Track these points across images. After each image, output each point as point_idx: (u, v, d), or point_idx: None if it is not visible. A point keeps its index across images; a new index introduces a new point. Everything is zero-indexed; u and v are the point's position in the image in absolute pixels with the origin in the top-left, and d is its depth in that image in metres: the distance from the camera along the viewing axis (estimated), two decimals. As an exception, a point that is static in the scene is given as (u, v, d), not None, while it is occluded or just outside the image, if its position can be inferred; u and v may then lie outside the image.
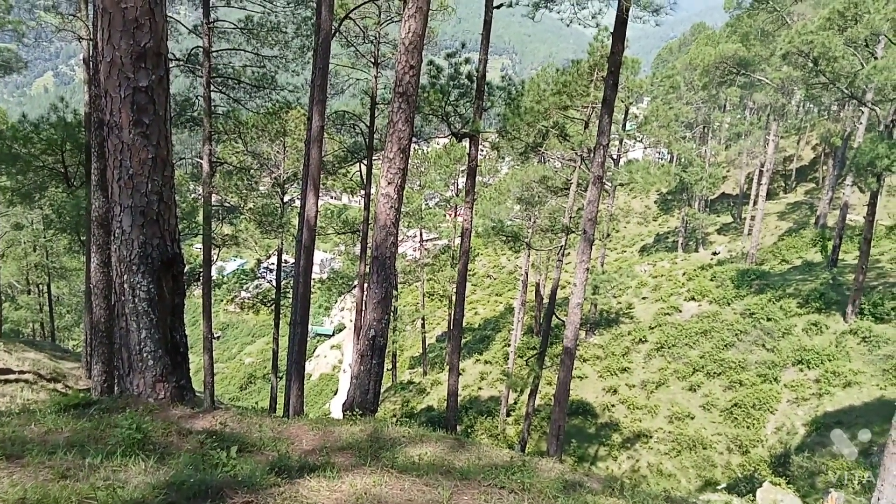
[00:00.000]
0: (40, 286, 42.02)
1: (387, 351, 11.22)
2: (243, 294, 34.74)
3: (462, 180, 42.15)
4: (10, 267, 39.44)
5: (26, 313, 41.48)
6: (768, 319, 28.45)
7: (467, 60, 17.82)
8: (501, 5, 16.22)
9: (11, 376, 18.13)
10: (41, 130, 22.27)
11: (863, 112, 33.18)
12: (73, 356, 25.99)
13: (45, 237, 36.35)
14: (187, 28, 21.16)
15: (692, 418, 25.91)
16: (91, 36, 16.65)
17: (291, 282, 26.53)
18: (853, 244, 35.40)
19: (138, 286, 6.26)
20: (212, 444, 5.00)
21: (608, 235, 33.77)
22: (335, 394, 50.70)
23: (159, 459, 4.32)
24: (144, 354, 6.35)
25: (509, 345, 34.47)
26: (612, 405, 28.71)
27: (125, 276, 6.28)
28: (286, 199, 29.11)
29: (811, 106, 66.98)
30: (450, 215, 49.48)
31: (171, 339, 6.61)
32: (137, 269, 6.25)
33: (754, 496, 16.56)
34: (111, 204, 6.32)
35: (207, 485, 3.75)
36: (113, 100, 6.02)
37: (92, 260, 13.58)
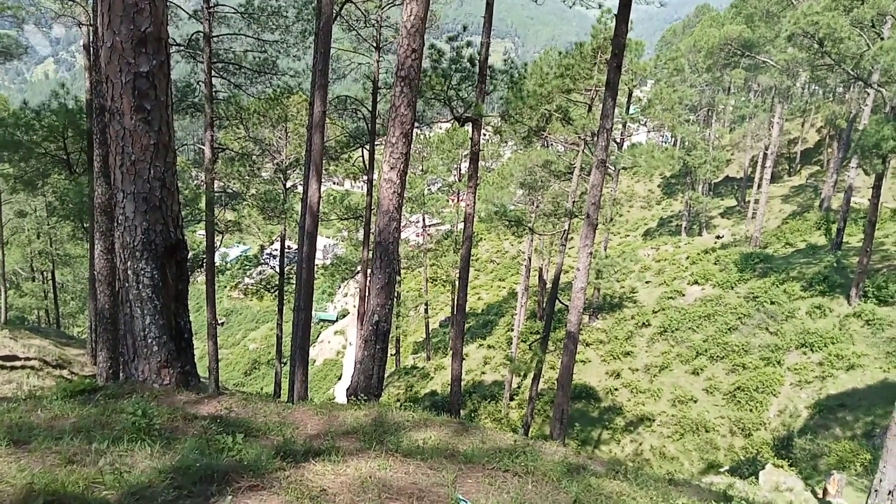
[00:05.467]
0: (44, 273, 42.18)
1: (390, 336, 11.24)
2: (247, 280, 34.81)
3: (465, 165, 42.00)
4: (14, 254, 39.56)
5: (31, 300, 41.67)
6: (772, 303, 28.43)
7: (469, 44, 17.71)
8: (504, -13, 16.03)
9: (17, 363, 18.24)
10: (43, 117, 22.24)
11: (868, 94, 32.92)
12: (78, 343, 26.14)
13: (48, 224, 36.47)
14: (187, 13, 21.01)
15: (695, 401, 25.99)
16: (91, 21, 16.56)
17: (295, 268, 26.55)
18: (857, 227, 35.28)
19: (142, 272, 6.27)
20: (217, 429, 5.03)
21: (611, 220, 33.71)
22: (339, 379, 50.93)
23: (165, 444, 4.34)
24: (149, 340, 6.37)
25: (512, 329, 34.54)
26: (616, 389, 28.81)
27: (129, 263, 6.29)
28: (289, 184, 29.06)
29: (816, 88, 66.43)
30: (452, 200, 49.39)
31: (175, 325, 6.63)
32: (141, 255, 6.25)
33: (757, 478, 16.64)
34: (114, 190, 6.32)
35: (213, 469, 3.77)
36: (114, 85, 5.99)
37: (96, 247, 13.60)
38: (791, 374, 24.47)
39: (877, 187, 25.39)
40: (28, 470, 3.49)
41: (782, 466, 17.95)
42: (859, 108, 42.82)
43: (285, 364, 32.81)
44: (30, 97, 26.96)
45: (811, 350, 24.92)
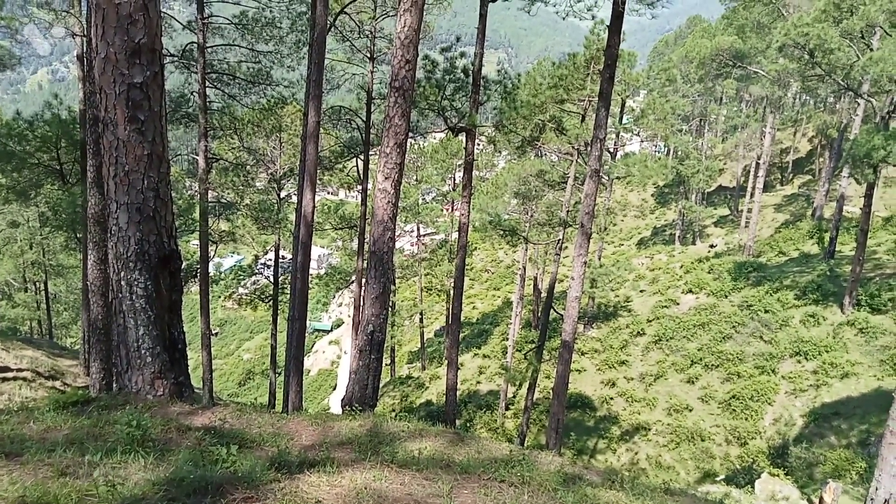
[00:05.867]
0: (37, 284, 41.94)
1: (385, 346, 11.22)
2: (241, 290, 34.73)
3: (459, 175, 42.09)
4: (6, 265, 39.35)
5: (23, 311, 41.38)
6: (766, 311, 28.51)
7: (463, 54, 17.79)
8: (497, -1, 16.13)
9: (9, 374, 18.11)
10: (36, 128, 22.21)
11: (859, 104, 33.20)
12: (70, 353, 25.97)
13: (41, 234, 36.30)
14: (181, 24, 21.03)
15: (690, 410, 25.99)
16: (85, 32, 16.56)
17: (289, 277, 26.51)
18: (850, 236, 35.47)
19: (135, 283, 6.25)
20: (211, 440, 5.00)
21: (605, 229, 33.79)
22: (334, 389, 50.75)
23: (159, 456, 4.31)
24: (142, 351, 6.34)
25: (508, 339, 34.52)
26: (611, 398, 28.78)
27: (122, 273, 6.26)
28: (283, 194, 29.06)
29: (807, 98, 67.00)
30: (447, 210, 49.45)
31: (169, 335, 6.60)
32: (134, 265, 6.23)
33: (753, 487, 16.64)
34: (107, 201, 6.30)
35: (207, 481, 3.74)
36: (108, 96, 5.99)
37: (89, 257, 13.56)
38: (786, 383, 24.52)
39: (868, 196, 25.56)
40: (20, 483, 3.46)
41: (778, 475, 17.96)
42: (850, 117, 43.14)
43: (280, 374, 32.70)
44: (23, 107, 26.98)
45: (805, 358, 24.98)
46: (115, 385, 6.80)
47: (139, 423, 4.60)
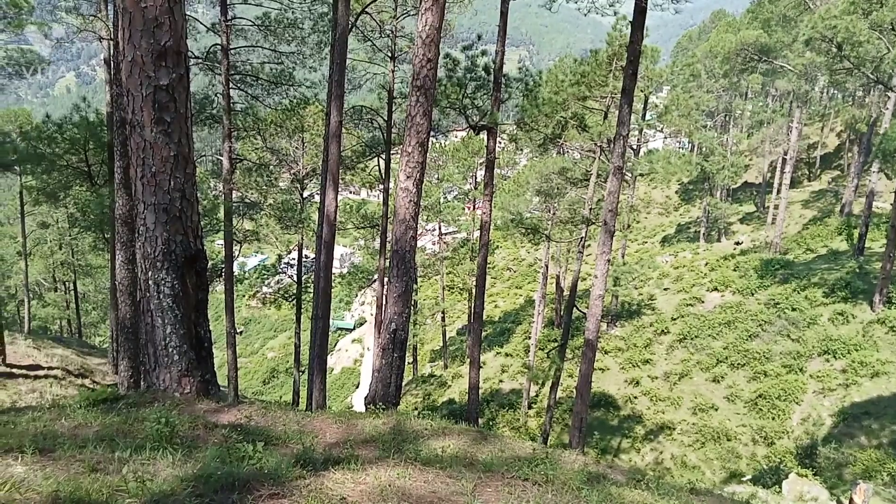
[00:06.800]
0: (66, 283, 42.78)
1: (408, 344, 11.25)
2: (265, 289, 35.03)
3: (480, 173, 42.03)
4: (36, 265, 40.19)
5: (53, 310, 42.28)
6: (793, 309, 28.05)
7: (484, 52, 17.74)
8: (518, -4, 16.04)
9: (41, 372, 18.51)
10: (65, 130, 22.66)
11: (889, 97, 32.47)
12: (99, 352, 26.44)
13: (70, 235, 37.03)
14: (205, 26, 21.29)
15: (716, 410, 25.68)
16: (112, 36, 16.85)
17: (312, 276, 26.69)
18: (880, 232, 34.75)
19: (163, 282, 6.35)
20: (237, 437, 5.06)
21: (629, 226, 33.49)
22: (357, 387, 51.00)
23: (187, 453, 4.38)
24: (170, 349, 6.44)
25: (530, 337, 34.39)
26: (635, 397, 28.55)
27: (149, 273, 6.36)
28: (306, 194, 29.27)
29: (835, 92, 65.66)
30: (468, 208, 49.39)
31: (195, 334, 6.69)
32: (161, 265, 6.33)
33: (780, 488, 16.39)
34: (135, 202, 6.41)
35: (234, 477, 3.79)
36: (135, 98, 6.09)
37: (117, 257, 13.79)
38: (814, 382, 24.10)
39: (899, 191, 25.03)
40: (53, 478, 3.54)
41: (806, 476, 17.66)
42: (880, 111, 42.25)
43: (303, 372, 32.95)
44: (52, 110, 27.49)
45: (834, 357, 24.53)
46: (143, 383, 6.91)
47: (167, 420, 4.67)
